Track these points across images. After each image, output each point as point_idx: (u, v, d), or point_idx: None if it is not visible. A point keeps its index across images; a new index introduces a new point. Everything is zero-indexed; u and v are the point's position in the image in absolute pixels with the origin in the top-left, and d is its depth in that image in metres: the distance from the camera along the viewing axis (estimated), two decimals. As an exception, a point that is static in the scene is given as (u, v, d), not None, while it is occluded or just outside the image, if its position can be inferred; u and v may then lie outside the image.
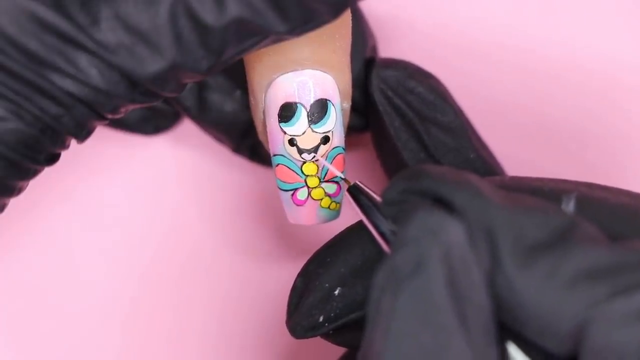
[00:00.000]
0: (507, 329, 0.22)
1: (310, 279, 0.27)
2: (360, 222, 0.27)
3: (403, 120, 0.30)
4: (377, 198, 0.26)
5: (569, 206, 0.23)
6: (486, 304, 0.21)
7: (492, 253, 0.21)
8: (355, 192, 0.26)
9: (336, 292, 0.26)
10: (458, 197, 0.22)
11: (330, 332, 0.27)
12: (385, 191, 0.23)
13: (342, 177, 0.29)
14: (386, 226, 0.25)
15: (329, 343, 0.28)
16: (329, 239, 0.28)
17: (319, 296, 0.27)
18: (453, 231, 0.21)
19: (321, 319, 0.26)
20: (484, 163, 0.31)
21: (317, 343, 0.28)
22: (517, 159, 0.34)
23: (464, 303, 0.20)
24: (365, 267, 0.27)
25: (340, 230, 0.28)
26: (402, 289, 0.20)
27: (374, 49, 0.34)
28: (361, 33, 0.33)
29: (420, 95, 0.30)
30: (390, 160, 0.32)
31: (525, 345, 0.22)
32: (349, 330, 0.27)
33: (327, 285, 0.27)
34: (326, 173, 0.29)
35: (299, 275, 0.28)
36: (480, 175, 0.30)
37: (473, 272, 0.21)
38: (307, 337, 0.27)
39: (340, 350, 0.28)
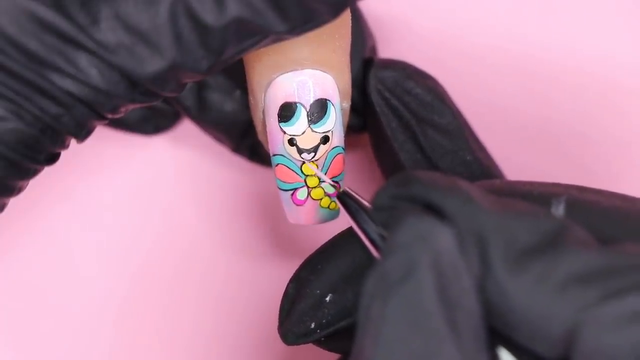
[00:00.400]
0: (497, 334, 0.22)
1: (301, 285, 0.27)
2: (350, 228, 0.26)
3: (400, 122, 0.30)
4: (367, 204, 0.26)
5: (559, 210, 0.23)
6: (476, 310, 0.21)
7: (483, 258, 0.21)
8: (345, 199, 0.26)
9: (327, 299, 0.26)
10: (448, 203, 0.22)
11: (322, 338, 0.27)
12: (375, 197, 0.23)
13: (332, 183, 0.29)
14: (376, 232, 0.25)
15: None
16: (328, 239, 0.28)
17: (310, 303, 0.27)
18: (443, 237, 0.21)
19: (313, 325, 0.26)
20: (480, 165, 0.31)
21: (312, 346, 0.28)
22: (515, 161, 0.34)
23: (454, 309, 0.20)
24: (356, 273, 0.26)
25: (339, 231, 0.28)
26: (392, 295, 0.20)
27: (373, 49, 0.34)
28: (360, 33, 0.33)
29: (417, 96, 0.30)
30: (387, 161, 0.32)
31: (516, 350, 0.22)
32: (340, 336, 0.27)
33: (318, 291, 0.27)
34: (326, 173, 0.29)
35: (290, 281, 0.28)
36: (477, 177, 0.30)
37: (463, 278, 0.21)
38: (299, 344, 0.27)
39: (333, 356, 0.28)
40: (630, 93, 0.36)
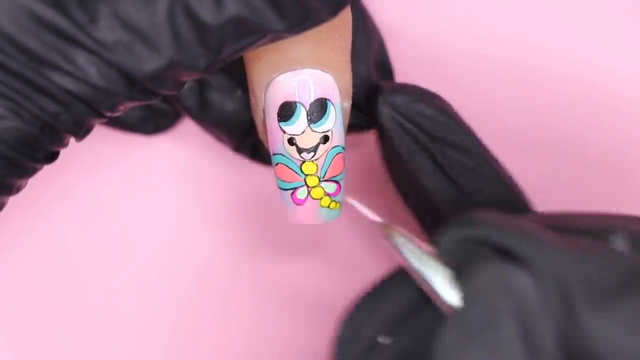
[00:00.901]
0: None
1: (354, 327, 0.26)
2: (400, 268, 0.25)
3: (417, 144, 0.30)
4: (425, 247, 0.24)
5: (618, 243, 0.22)
6: (559, 355, 0.21)
7: (564, 302, 0.21)
8: (401, 241, 0.25)
9: (383, 341, 0.25)
10: (520, 246, 0.21)
11: None
12: (439, 240, 0.23)
13: (381, 221, 0.27)
14: (440, 277, 0.23)
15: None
16: (328, 238, 0.28)
17: (365, 346, 0.26)
18: (523, 282, 0.21)
19: None
20: (499, 178, 0.30)
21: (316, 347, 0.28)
22: (516, 166, 0.34)
23: (538, 356, 0.20)
24: (411, 315, 0.26)
25: (339, 230, 0.28)
26: (475, 344, 0.20)
27: (381, 47, 0.34)
28: (365, 32, 0.33)
29: (430, 117, 0.30)
30: (403, 181, 0.32)
31: None
32: None
33: (372, 334, 0.26)
34: (326, 172, 0.29)
35: (341, 323, 0.27)
36: (499, 193, 0.30)
37: (544, 323, 0.21)
38: None
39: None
40: (631, 96, 0.36)
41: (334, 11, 0.23)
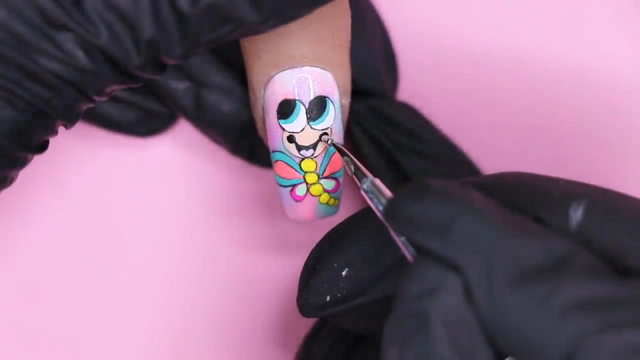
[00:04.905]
0: None
1: (321, 256, 0.27)
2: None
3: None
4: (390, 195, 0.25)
5: (577, 213, 0.23)
6: (489, 355, 0.21)
7: (488, 280, 0.21)
8: (370, 188, 0.25)
9: (343, 274, 0.26)
10: (459, 224, 0.22)
11: (337, 314, 0.27)
12: (387, 207, 0.23)
13: (355, 166, 0.27)
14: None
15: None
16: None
17: (327, 275, 0.26)
18: (451, 287, 0.21)
19: (328, 298, 0.26)
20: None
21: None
22: (515, 162, 0.34)
23: (468, 357, 0.21)
24: (375, 254, 0.26)
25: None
26: (408, 345, 0.21)
27: (385, 41, 0.34)
28: (361, 18, 0.33)
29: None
30: None
31: None
32: (355, 315, 0.27)
33: (335, 264, 0.26)
34: (325, 169, 0.29)
35: (312, 251, 0.27)
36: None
37: (473, 327, 0.21)
38: (315, 316, 0.27)
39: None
40: (629, 92, 0.36)
41: (309, 7, 0.24)
